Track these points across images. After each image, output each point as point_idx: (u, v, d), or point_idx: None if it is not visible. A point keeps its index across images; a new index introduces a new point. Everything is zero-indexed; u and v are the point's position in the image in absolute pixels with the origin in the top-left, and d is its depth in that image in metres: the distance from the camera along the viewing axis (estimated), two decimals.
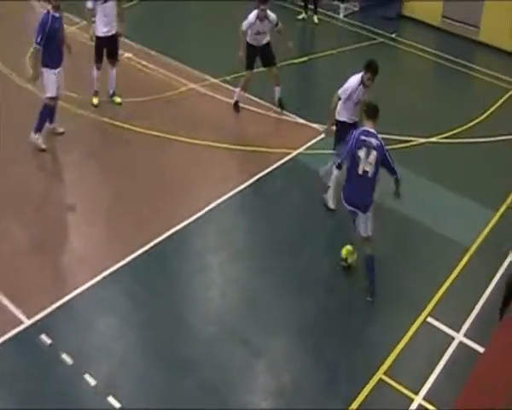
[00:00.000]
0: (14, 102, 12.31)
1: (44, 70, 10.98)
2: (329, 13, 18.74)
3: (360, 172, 8.69)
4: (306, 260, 9.68)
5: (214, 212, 10.40)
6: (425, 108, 14.44)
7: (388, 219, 10.51)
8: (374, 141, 8.71)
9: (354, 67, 13.95)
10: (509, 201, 11.40)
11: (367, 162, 8.67)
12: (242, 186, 11.02)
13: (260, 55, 12.89)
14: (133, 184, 10.86)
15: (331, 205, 10.62)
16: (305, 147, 12.25)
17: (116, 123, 12.32)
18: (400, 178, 8.97)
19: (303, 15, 18.23)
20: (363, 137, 8.71)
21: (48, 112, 11.38)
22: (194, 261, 9.56)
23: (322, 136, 11.85)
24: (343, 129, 10.24)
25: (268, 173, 11.45)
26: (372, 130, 8.80)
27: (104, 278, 8.93)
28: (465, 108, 14.68)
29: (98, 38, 12.47)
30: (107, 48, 12.55)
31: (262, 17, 12.47)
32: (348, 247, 9.51)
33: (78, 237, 9.73)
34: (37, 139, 11.35)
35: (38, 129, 11.33)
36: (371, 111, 8.87)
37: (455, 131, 13.23)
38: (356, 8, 19.16)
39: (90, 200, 10.52)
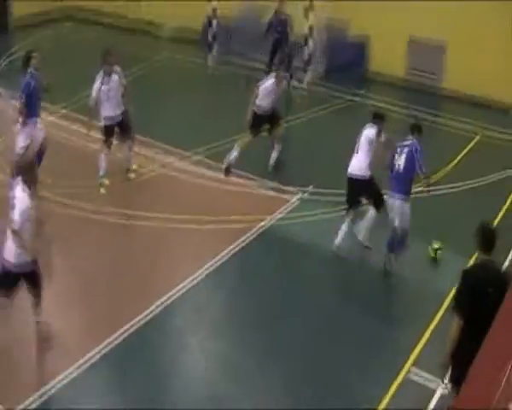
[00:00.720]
0: None
1: None
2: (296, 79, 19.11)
3: None
4: (285, 330, 9.73)
5: (190, 290, 10.42)
6: None
7: (366, 273, 10.67)
8: None
9: (326, 131, 14.28)
10: None
11: None
12: (218, 261, 11.06)
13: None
14: (105, 267, 10.88)
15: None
16: (279, 214, 12.41)
17: (86, 206, 12.29)
18: None
19: None
20: None
21: None
22: (173, 342, 9.54)
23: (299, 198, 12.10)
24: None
25: (243, 245, 11.54)
26: None
27: (85, 362, 8.89)
28: (433, 159, 14.88)
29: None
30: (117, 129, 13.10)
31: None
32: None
33: (53, 323, 9.68)
34: None
35: None
36: None
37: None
38: (321, 71, 19.56)
39: (60, 285, 10.41)
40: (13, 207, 8.42)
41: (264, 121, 13.79)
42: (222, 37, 21.10)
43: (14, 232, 8.38)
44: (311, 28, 18.97)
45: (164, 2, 21.47)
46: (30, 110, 12.52)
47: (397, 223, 10.69)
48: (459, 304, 7.25)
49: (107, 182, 13.06)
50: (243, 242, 11.59)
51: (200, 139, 14.88)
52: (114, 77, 12.91)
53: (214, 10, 20.71)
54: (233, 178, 13.50)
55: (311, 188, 13.16)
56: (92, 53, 14.80)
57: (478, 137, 15.96)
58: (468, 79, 17.71)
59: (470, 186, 13.54)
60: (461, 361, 6.80)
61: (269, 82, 13.71)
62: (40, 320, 9.08)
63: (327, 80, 19.01)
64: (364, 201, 11.46)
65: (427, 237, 11.75)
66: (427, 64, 18.75)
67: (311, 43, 19.06)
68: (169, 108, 16.95)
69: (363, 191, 11.28)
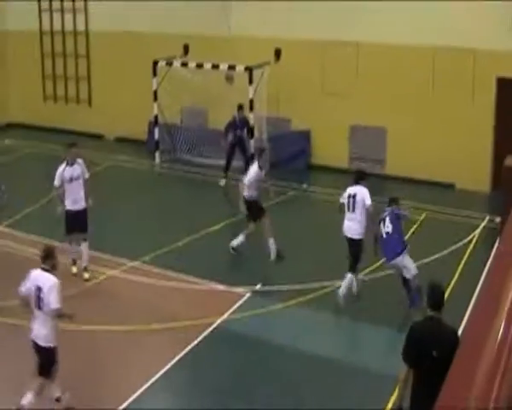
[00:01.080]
0: None
1: None
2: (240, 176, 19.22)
3: None
4: None
5: (141, 400, 10.04)
6: (342, 250, 14.69)
7: (318, 366, 10.49)
8: None
9: (272, 224, 14.31)
10: None
11: None
12: (168, 367, 10.69)
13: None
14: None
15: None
16: (229, 313, 12.19)
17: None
18: None
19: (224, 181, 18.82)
20: None
21: None
22: None
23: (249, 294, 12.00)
24: None
25: (195, 347, 11.23)
26: None
27: None
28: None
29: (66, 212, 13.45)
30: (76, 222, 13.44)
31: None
32: None
33: None
34: None
35: None
36: None
37: (373, 267, 13.45)
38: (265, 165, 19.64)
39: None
40: None
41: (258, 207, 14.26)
42: (167, 139, 21.31)
43: None
44: (252, 127, 19.19)
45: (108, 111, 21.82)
46: None
47: (407, 275, 11.77)
48: (405, 354, 7.38)
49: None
50: (194, 344, 11.28)
51: (147, 245, 14.80)
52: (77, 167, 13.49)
53: (157, 115, 20.95)
54: (183, 279, 13.35)
55: (259, 286, 13.07)
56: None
57: (424, 216, 16.11)
58: (408, 162, 18.07)
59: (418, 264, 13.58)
60: None
61: (253, 170, 14.22)
62: None
63: (271, 174, 19.10)
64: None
65: (376, 320, 11.70)
66: (369, 151, 19.09)
67: (252, 141, 19.25)
68: (116, 213, 16.93)
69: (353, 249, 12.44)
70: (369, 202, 12.19)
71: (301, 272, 13.69)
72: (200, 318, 11.96)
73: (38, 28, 24.45)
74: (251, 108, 18.99)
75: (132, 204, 17.59)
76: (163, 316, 12.15)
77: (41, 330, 9.22)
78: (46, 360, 9.31)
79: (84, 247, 13.61)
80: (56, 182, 13.35)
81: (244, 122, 18.92)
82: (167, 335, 11.70)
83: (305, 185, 18.42)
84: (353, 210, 12.32)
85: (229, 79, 20.31)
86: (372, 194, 16.28)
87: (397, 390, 7.41)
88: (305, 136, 19.96)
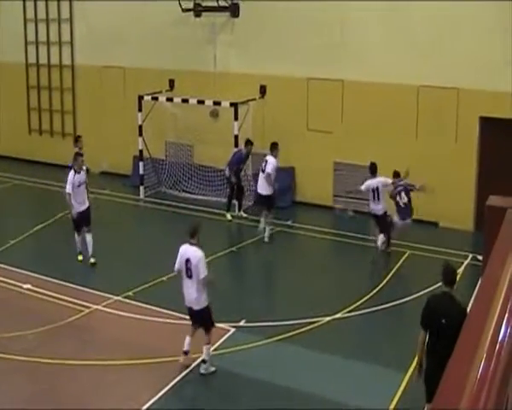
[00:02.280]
0: None
1: None
2: (222, 211, 19.28)
3: None
4: None
5: None
6: (327, 286, 14.79)
7: (303, 404, 10.47)
8: None
9: (257, 260, 14.35)
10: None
11: None
12: (152, 402, 10.58)
13: None
14: None
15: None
16: (211, 349, 12.13)
17: (16, 357, 11.91)
18: None
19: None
20: None
21: None
22: None
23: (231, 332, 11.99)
24: None
25: (177, 383, 11.12)
26: None
27: None
28: (365, 278, 15.13)
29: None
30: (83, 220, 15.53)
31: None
32: None
33: None
34: None
35: None
36: None
37: (358, 303, 13.51)
38: (250, 203, 19.74)
39: None
40: None
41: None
42: (151, 174, 21.34)
43: None
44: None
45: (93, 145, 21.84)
46: None
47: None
48: (422, 319, 9.05)
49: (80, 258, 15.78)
50: (176, 380, 11.19)
51: (131, 279, 14.76)
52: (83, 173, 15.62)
53: (141, 150, 20.97)
54: (166, 315, 13.28)
55: (243, 322, 13.03)
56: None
57: (407, 254, 16.20)
58: None
59: (402, 301, 13.66)
60: (431, 379, 8.57)
61: (272, 161, 17.09)
62: None
63: (254, 210, 19.21)
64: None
65: (359, 355, 11.76)
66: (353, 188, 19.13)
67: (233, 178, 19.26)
68: (100, 247, 16.85)
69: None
70: (389, 180, 15.94)
71: (286, 308, 13.70)
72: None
73: (24, 61, 24.51)
74: (236, 144, 19.08)
75: (117, 239, 17.57)
76: (146, 351, 12.08)
77: (192, 296, 11.04)
78: (201, 319, 11.19)
79: (89, 237, 15.66)
80: (69, 189, 15.26)
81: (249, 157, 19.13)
82: (150, 370, 11.61)
83: (289, 222, 18.46)
84: (378, 198, 15.87)
85: (214, 114, 20.44)
86: (357, 231, 16.52)
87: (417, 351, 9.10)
88: (289, 172, 20.04)
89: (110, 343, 12.55)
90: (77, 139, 18.41)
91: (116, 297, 14.09)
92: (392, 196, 15.87)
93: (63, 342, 12.55)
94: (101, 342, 12.63)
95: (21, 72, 24.60)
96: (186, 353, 11.41)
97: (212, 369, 11.28)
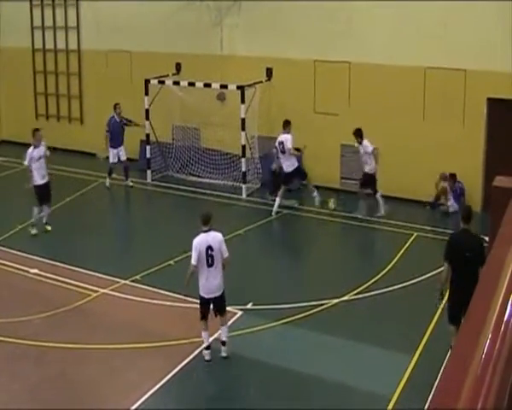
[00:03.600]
0: None
1: None
2: (233, 195, 19.29)
3: None
4: None
5: None
6: (334, 268, 14.79)
7: (308, 385, 10.49)
8: None
9: (264, 243, 14.34)
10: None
11: None
12: (159, 386, 10.64)
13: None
14: (46, 402, 10.44)
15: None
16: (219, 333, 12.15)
17: (23, 342, 11.98)
18: None
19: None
20: None
21: None
22: None
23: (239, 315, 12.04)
24: None
25: (184, 366, 11.16)
26: None
27: None
28: (372, 260, 15.12)
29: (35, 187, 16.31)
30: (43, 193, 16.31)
31: None
32: None
33: None
34: None
35: None
36: None
37: (365, 286, 13.50)
38: (257, 186, 19.72)
39: None
40: None
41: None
42: (158, 157, 21.31)
43: None
44: (243, 145, 19.22)
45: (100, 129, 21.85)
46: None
47: None
48: (446, 254, 10.54)
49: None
50: (183, 364, 11.23)
51: (139, 263, 14.80)
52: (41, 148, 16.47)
53: (148, 134, 20.95)
54: (174, 298, 13.30)
55: (250, 305, 13.05)
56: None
57: (414, 235, 16.16)
58: (400, 182, 18.12)
59: (410, 283, 13.63)
60: (455, 306, 10.15)
61: (290, 138, 17.31)
62: None
63: (262, 193, 19.21)
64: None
65: (366, 338, 11.79)
66: (360, 171, 19.07)
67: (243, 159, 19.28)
68: (108, 230, 17.00)
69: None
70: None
71: (293, 291, 13.70)
72: (191, 337, 11.89)
73: (30, 45, 24.50)
74: (243, 128, 19.03)
75: (124, 222, 17.64)
76: (153, 335, 12.13)
77: (216, 283, 11.06)
78: (223, 302, 11.29)
79: (47, 209, 16.71)
80: (27, 161, 16.27)
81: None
82: (157, 354, 11.67)
83: (296, 204, 18.43)
84: (366, 162, 17.02)
85: (221, 98, 20.38)
86: (367, 212, 16.43)
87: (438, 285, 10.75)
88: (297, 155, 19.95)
89: (117, 327, 12.59)
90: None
91: (123, 281, 14.12)
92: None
93: (70, 327, 12.60)
94: (109, 326, 12.67)
95: (28, 57, 24.56)
96: (209, 347, 11.28)
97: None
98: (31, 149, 16.42)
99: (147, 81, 20.55)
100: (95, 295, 13.69)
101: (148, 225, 17.67)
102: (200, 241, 10.88)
